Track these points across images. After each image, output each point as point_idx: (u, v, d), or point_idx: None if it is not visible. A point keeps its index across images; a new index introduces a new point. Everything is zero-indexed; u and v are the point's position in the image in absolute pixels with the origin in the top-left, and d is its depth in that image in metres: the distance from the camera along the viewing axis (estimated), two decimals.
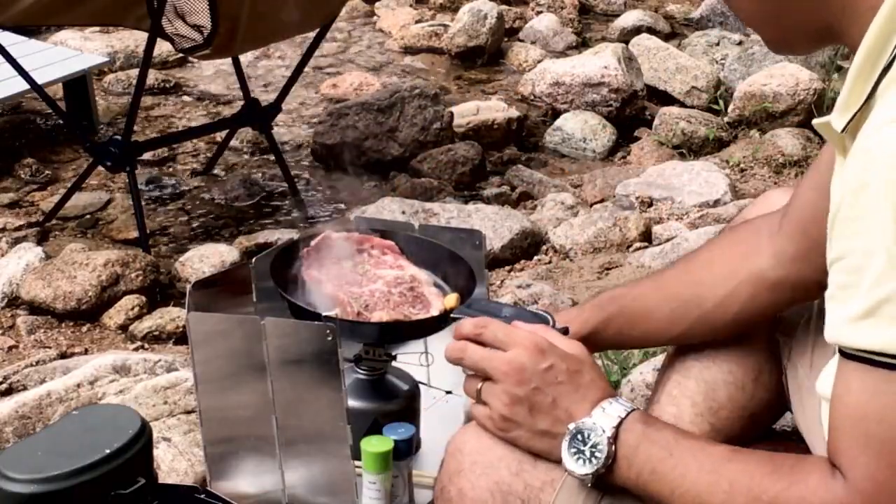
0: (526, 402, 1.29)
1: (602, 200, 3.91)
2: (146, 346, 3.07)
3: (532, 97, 4.93)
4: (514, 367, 1.30)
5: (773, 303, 1.57)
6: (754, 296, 1.56)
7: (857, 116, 1.13)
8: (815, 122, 1.22)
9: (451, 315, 1.83)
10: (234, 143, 4.40)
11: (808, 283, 1.48)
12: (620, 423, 1.25)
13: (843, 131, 1.15)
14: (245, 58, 4.38)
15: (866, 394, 1.07)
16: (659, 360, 2.38)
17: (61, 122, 4.37)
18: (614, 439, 1.24)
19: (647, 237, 3.49)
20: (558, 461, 1.28)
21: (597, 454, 1.24)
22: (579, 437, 1.26)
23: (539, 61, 5.21)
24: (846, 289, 1.08)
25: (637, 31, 5.64)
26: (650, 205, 3.77)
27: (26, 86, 3.85)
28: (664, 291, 1.62)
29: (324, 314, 1.76)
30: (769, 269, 1.55)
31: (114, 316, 3.21)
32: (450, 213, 3.53)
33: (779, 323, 1.66)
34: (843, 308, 1.08)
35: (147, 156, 4.20)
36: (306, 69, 4.19)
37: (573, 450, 1.25)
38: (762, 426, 1.75)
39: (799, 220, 1.51)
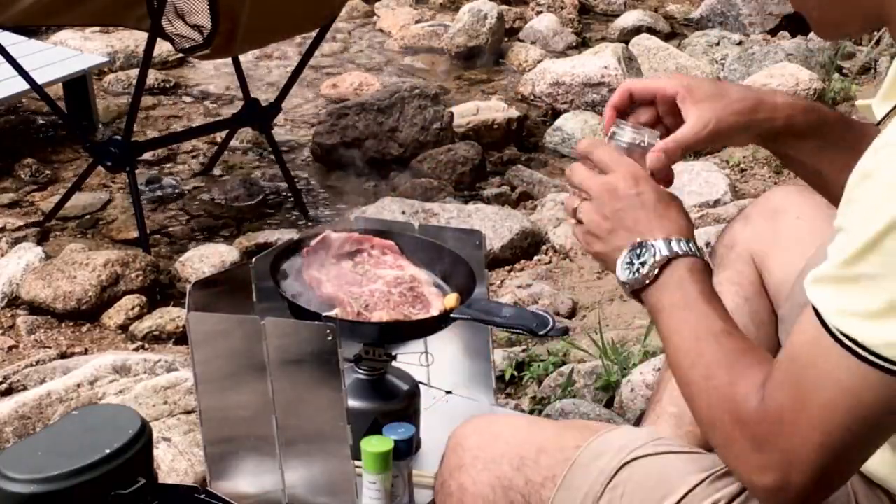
0: (611, 218, 1.33)
1: None
2: (146, 346, 3.07)
3: (532, 97, 4.93)
4: (607, 188, 1.34)
5: None
6: None
7: (894, 110, 1.14)
8: (858, 102, 1.23)
9: (452, 315, 1.84)
10: (234, 143, 4.40)
11: None
12: (672, 259, 1.29)
13: (878, 123, 1.17)
14: (245, 58, 4.38)
15: (808, 339, 1.13)
16: (659, 360, 2.39)
17: (61, 122, 4.36)
18: (661, 268, 1.29)
19: None
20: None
21: (640, 271, 1.30)
22: (637, 251, 1.31)
23: (539, 61, 5.21)
24: (832, 250, 1.12)
25: (637, 31, 5.64)
26: None
27: (26, 86, 3.85)
28: None
29: (324, 314, 1.76)
30: None
31: (114, 316, 3.21)
32: (450, 213, 3.53)
33: (781, 324, 1.66)
34: (824, 262, 1.13)
35: (147, 156, 4.20)
36: (306, 69, 4.19)
37: (627, 260, 1.31)
38: None
39: None
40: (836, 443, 1.12)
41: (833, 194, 1.44)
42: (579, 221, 1.36)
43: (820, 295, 1.12)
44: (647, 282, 1.29)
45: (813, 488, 1.14)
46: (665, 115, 1.47)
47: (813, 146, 1.46)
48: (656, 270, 1.29)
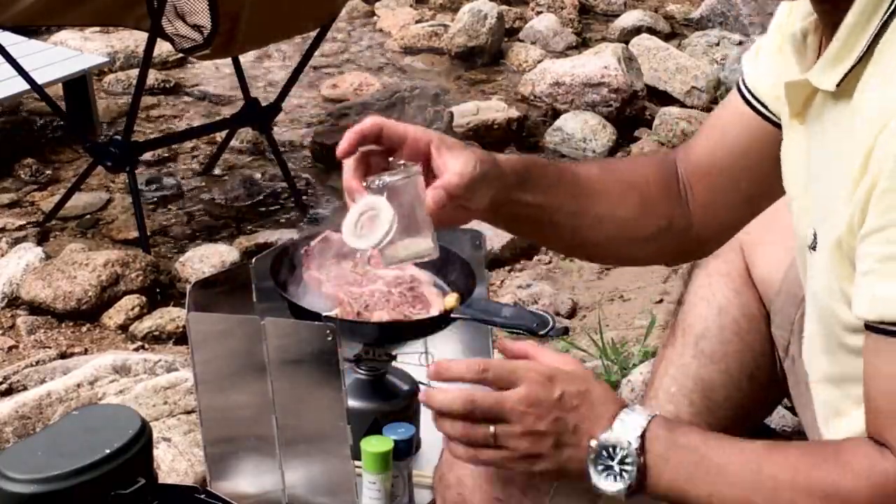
0: (550, 435, 1.21)
1: None
2: (146, 346, 3.07)
3: (532, 97, 4.93)
4: (530, 402, 1.20)
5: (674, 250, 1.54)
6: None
7: (851, 73, 1.12)
8: (787, 81, 1.21)
9: (452, 315, 1.84)
10: (234, 143, 4.39)
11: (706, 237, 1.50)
12: (644, 433, 1.19)
13: (837, 86, 1.13)
14: (245, 58, 4.38)
15: None
16: None
17: (61, 122, 4.36)
18: (642, 450, 1.19)
19: None
20: (588, 482, 1.22)
21: (627, 468, 1.18)
22: (605, 453, 1.20)
23: (539, 61, 5.21)
24: (890, 260, 1.06)
25: (637, 31, 5.63)
26: None
27: (26, 86, 3.85)
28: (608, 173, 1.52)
29: (324, 314, 1.76)
30: (682, 226, 1.51)
31: (114, 316, 3.21)
32: None
33: (774, 318, 1.66)
34: (887, 283, 1.06)
35: (147, 156, 4.19)
36: (306, 69, 4.19)
37: (601, 467, 1.20)
38: (757, 421, 1.76)
39: (700, 166, 1.49)
40: None
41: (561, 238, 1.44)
42: (499, 447, 1.21)
43: None
44: (642, 472, 1.18)
45: None
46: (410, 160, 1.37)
47: (533, 199, 1.39)
48: (642, 458, 1.18)
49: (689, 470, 1.18)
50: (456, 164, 1.32)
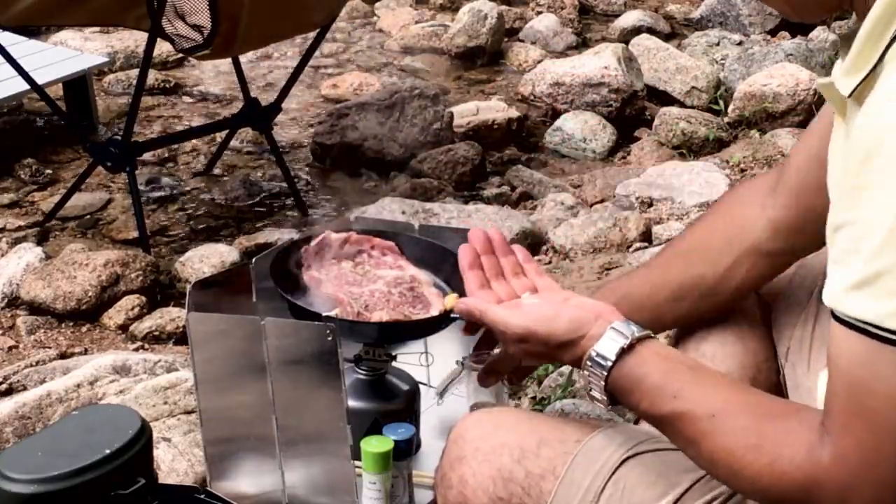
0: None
1: (602, 201, 3.91)
2: (146, 346, 3.07)
3: (532, 97, 4.93)
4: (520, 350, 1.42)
5: (772, 270, 1.61)
6: (753, 266, 1.59)
7: (864, 82, 1.13)
8: (817, 82, 1.22)
9: (452, 315, 1.83)
10: (234, 143, 4.39)
11: (806, 252, 1.54)
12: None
13: (849, 96, 1.15)
14: (245, 58, 4.38)
15: (859, 362, 1.08)
16: None
17: (61, 122, 4.36)
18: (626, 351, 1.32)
19: (647, 237, 3.49)
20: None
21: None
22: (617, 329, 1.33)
23: (539, 61, 5.21)
24: (849, 254, 1.08)
25: (637, 31, 5.64)
26: (650, 205, 3.77)
27: (26, 86, 3.85)
28: (666, 275, 1.64)
29: (324, 314, 1.76)
30: (766, 241, 1.57)
31: (114, 316, 3.21)
32: (450, 214, 3.53)
33: (775, 323, 1.66)
34: (843, 273, 1.08)
35: (147, 156, 4.19)
36: (306, 69, 4.19)
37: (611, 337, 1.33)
38: None
39: (794, 187, 1.53)
40: None
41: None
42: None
43: (858, 304, 1.07)
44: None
45: None
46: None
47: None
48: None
49: (668, 366, 1.28)
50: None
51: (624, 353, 1.29)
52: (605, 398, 1.31)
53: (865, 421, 1.08)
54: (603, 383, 1.30)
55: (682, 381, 1.26)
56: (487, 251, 1.55)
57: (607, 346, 1.30)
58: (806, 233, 1.46)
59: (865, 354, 1.07)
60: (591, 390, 1.33)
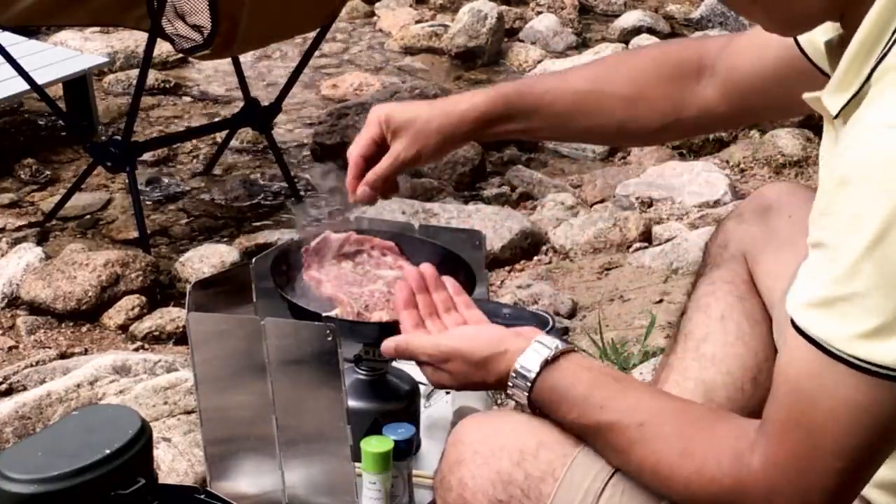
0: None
1: (602, 201, 3.91)
2: (146, 346, 3.07)
3: None
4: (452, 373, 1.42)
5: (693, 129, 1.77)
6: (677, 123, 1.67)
7: (851, 101, 1.13)
8: (805, 96, 1.21)
9: None
10: (234, 143, 4.40)
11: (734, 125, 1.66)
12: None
13: (836, 116, 1.15)
14: (245, 58, 4.38)
15: (808, 374, 1.10)
16: (659, 360, 2.39)
17: (61, 122, 4.37)
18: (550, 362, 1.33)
19: (647, 237, 3.49)
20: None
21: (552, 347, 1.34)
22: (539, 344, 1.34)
23: (539, 61, 5.21)
24: (817, 272, 1.09)
25: (637, 31, 5.64)
26: (650, 205, 3.77)
27: (26, 86, 3.85)
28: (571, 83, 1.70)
29: (324, 314, 1.76)
30: (693, 118, 1.65)
31: (114, 316, 3.21)
32: (450, 214, 3.53)
33: (775, 325, 1.65)
34: (809, 287, 1.10)
35: (147, 156, 4.19)
36: (306, 69, 4.19)
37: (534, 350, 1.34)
38: None
39: (738, 84, 1.59)
40: (857, 464, 1.10)
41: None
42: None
43: (816, 321, 1.09)
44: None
45: None
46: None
47: (515, 126, 1.66)
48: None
49: (593, 377, 1.29)
50: (391, 151, 1.69)
51: (548, 364, 1.31)
52: (529, 413, 1.32)
53: (804, 431, 1.10)
54: (527, 394, 1.32)
55: (608, 391, 1.28)
56: (422, 289, 1.56)
57: (531, 357, 1.32)
58: (738, 122, 1.61)
59: (816, 367, 1.09)
60: (515, 406, 1.34)
